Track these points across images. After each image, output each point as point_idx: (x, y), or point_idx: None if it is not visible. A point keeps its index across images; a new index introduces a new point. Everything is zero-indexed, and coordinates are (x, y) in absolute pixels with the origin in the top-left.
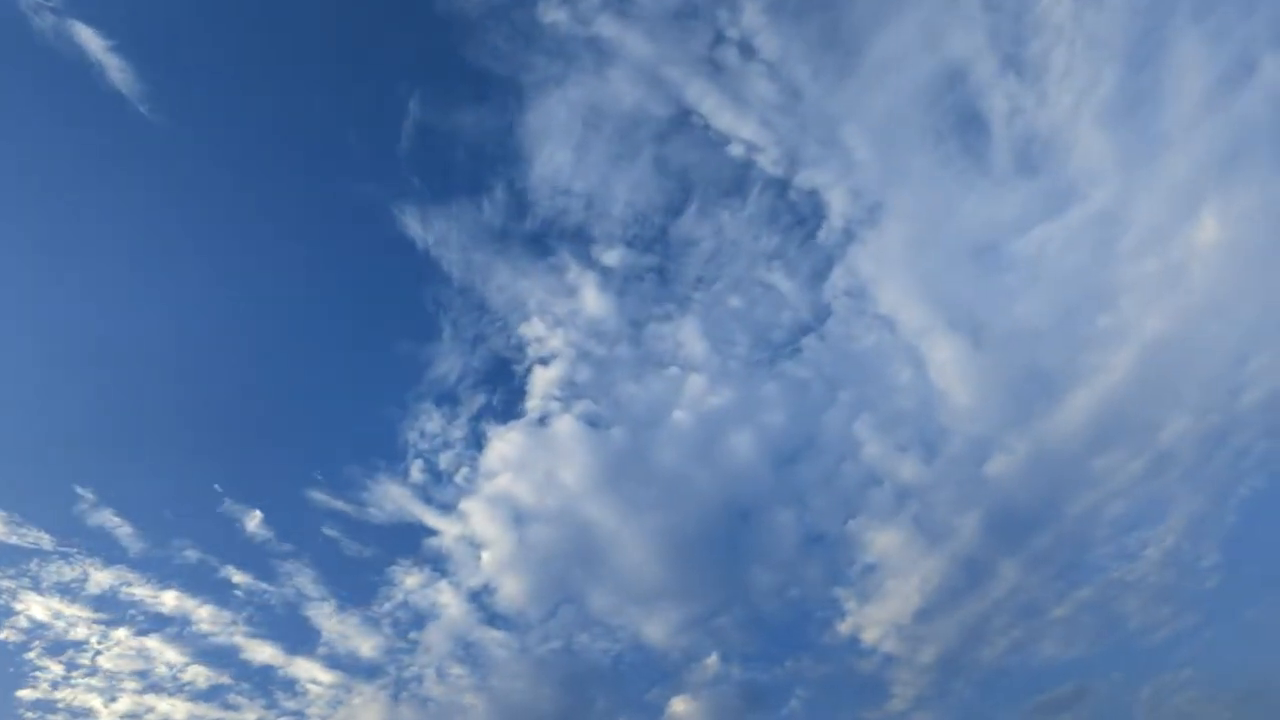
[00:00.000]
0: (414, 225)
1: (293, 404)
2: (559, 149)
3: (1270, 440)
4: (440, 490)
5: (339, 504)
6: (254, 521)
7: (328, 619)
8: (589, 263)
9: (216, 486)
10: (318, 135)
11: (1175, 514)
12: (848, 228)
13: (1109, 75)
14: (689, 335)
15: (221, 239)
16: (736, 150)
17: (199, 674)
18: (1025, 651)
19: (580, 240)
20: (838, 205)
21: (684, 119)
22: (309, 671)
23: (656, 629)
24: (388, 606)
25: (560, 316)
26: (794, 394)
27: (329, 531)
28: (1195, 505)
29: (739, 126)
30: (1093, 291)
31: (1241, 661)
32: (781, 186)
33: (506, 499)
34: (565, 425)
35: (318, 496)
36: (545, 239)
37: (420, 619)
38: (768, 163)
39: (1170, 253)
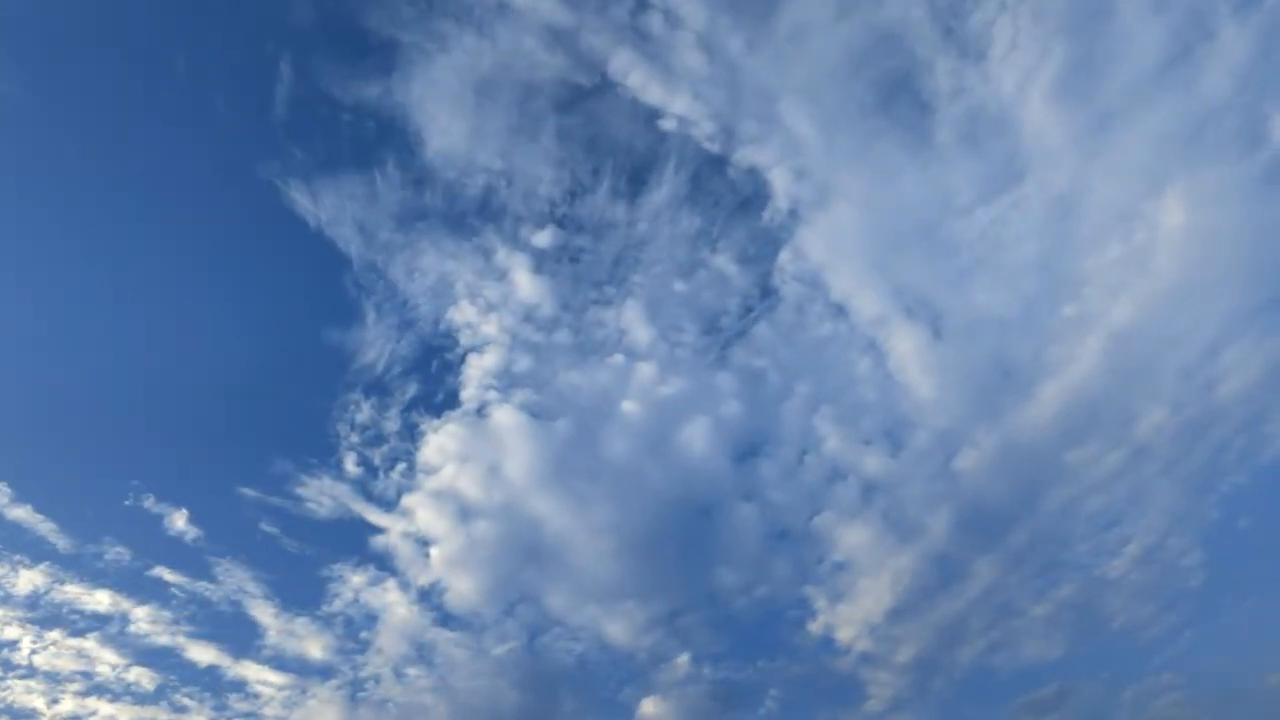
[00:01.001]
0: (303, 201)
1: (211, 397)
2: (454, 119)
3: (1250, 434)
4: (379, 486)
5: (274, 500)
6: (180, 520)
7: (271, 619)
8: (518, 243)
9: (135, 482)
10: (182, 102)
11: (1155, 510)
12: (794, 209)
13: (1056, 49)
14: (632, 321)
15: (96, 218)
16: (668, 125)
17: (142, 675)
18: (1005, 652)
19: (505, 220)
20: (781, 185)
21: (609, 90)
22: (257, 673)
23: (620, 629)
24: (335, 606)
25: (491, 301)
26: (749, 385)
27: (268, 528)
28: (1175, 501)
29: (670, 100)
30: (1055, 278)
31: (1224, 664)
32: (719, 164)
33: (451, 495)
34: (506, 417)
35: (248, 494)
36: (466, 218)
37: (370, 619)
38: (702, 138)
39: (1134, 236)
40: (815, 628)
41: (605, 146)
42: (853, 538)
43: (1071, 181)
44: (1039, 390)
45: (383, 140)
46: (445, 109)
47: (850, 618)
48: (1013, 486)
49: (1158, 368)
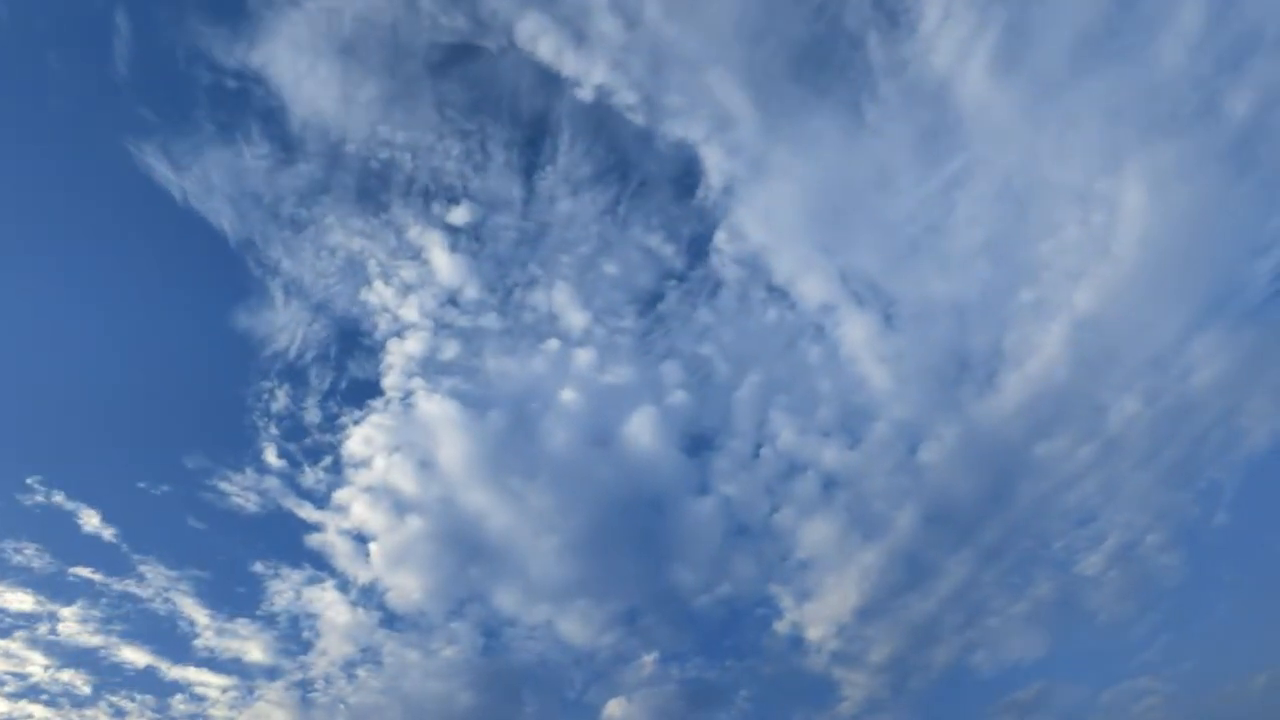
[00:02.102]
0: (161, 169)
1: (101, 389)
2: (328, 82)
3: (1228, 426)
4: (307, 480)
5: (198, 496)
6: (94, 519)
7: (206, 620)
8: (430, 220)
9: (37, 478)
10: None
11: (1131, 506)
12: (728, 186)
13: (993, 17)
14: (564, 305)
15: None
16: (585, 95)
17: (76, 678)
18: (983, 652)
19: (414, 195)
20: (713, 161)
21: (517, 56)
22: (198, 675)
23: (578, 628)
24: (273, 606)
25: (408, 282)
26: (696, 373)
27: (195, 525)
28: (1152, 496)
29: (587, 69)
30: (1009, 262)
31: (1204, 666)
32: (645, 138)
33: (386, 490)
34: (435, 406)
35: (163, 490)
36: (372, 194)
37: (310, 619)
38: (624, 110)
39: (1091, 217)
40: (783, 627)
41: (518, 117)
42: (816, 534)
43: (1020, 158)
44: (1001, 380)
45: (242, 104)
46: (314, 68)
47: (818, 616)
48: (981, 480)
49: (1126, 356)
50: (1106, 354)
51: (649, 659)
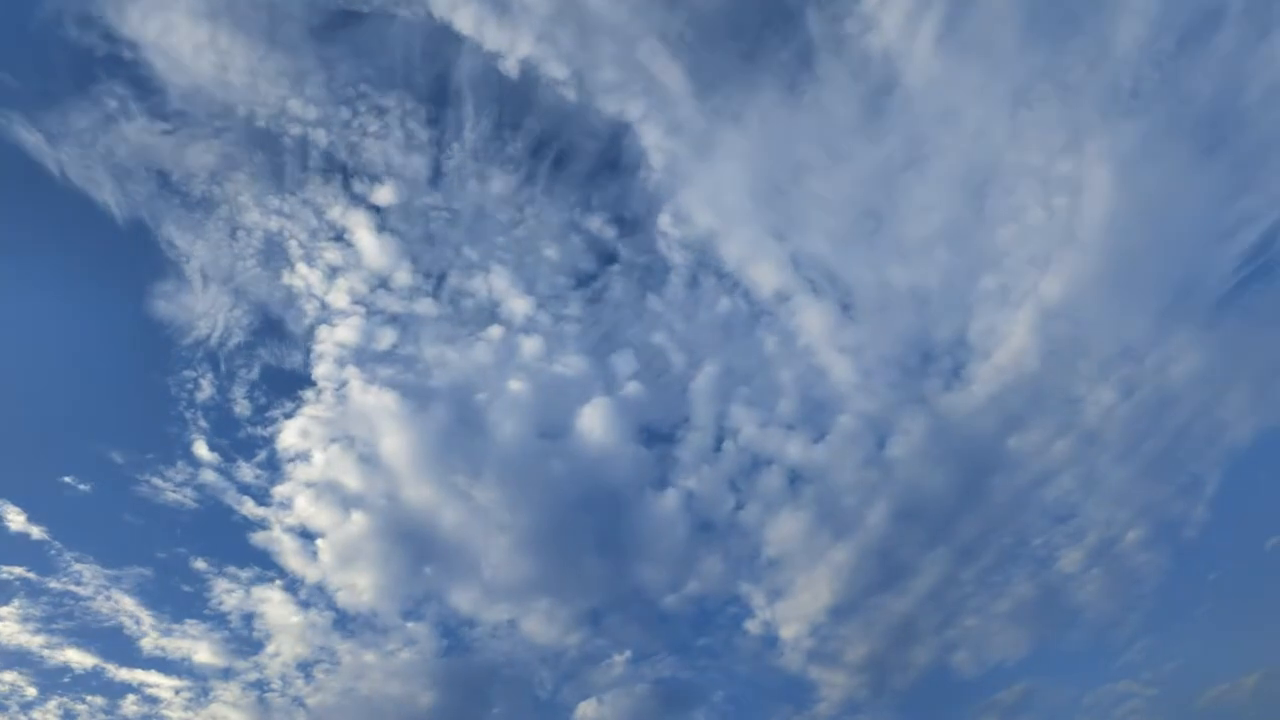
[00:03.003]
0: (23, 133)
1: (21, 384)
2: (220, 53)
3: (1209, 419)
4: (243, 474)
5: (130, 492)
6: (18, 517)
7: (150, 620)
8: (353, 200)
9: None
10: None
11: (1112, 501)
12: (670, 166)
13: None
14: (504, 291)
15: None
16: (510, 68)
17: (19, 680)
18: (965, 652)
19: (334, 174)
20: (652, 139)
21: (437, 27)
22: (146, 676)
23: (542, 627)
24: (219, 606)
25: (334, 264)
26: (650, 364)
27: (131, 521)
28: (1133, 492)
29: (512, 41)
30: (968, 248)
31: (1190, 670)
32: (579, 116)
33: (329, 485)
34: (372, 397)
35: (90, 486)
36: (287, 171)
37: (257, 618)
38: (555, 85)
39: (1053, 200)
40: (755, 626)
41: (438, 93)
42: (784, 530)
43: (975, 139)
44: (969, 371)
45: (119, 71)
46: (204, 37)
47: (791, 615)
48: (953, 475)
49: (1098, 346)
50: (1077, 344)
51: (620, 659)
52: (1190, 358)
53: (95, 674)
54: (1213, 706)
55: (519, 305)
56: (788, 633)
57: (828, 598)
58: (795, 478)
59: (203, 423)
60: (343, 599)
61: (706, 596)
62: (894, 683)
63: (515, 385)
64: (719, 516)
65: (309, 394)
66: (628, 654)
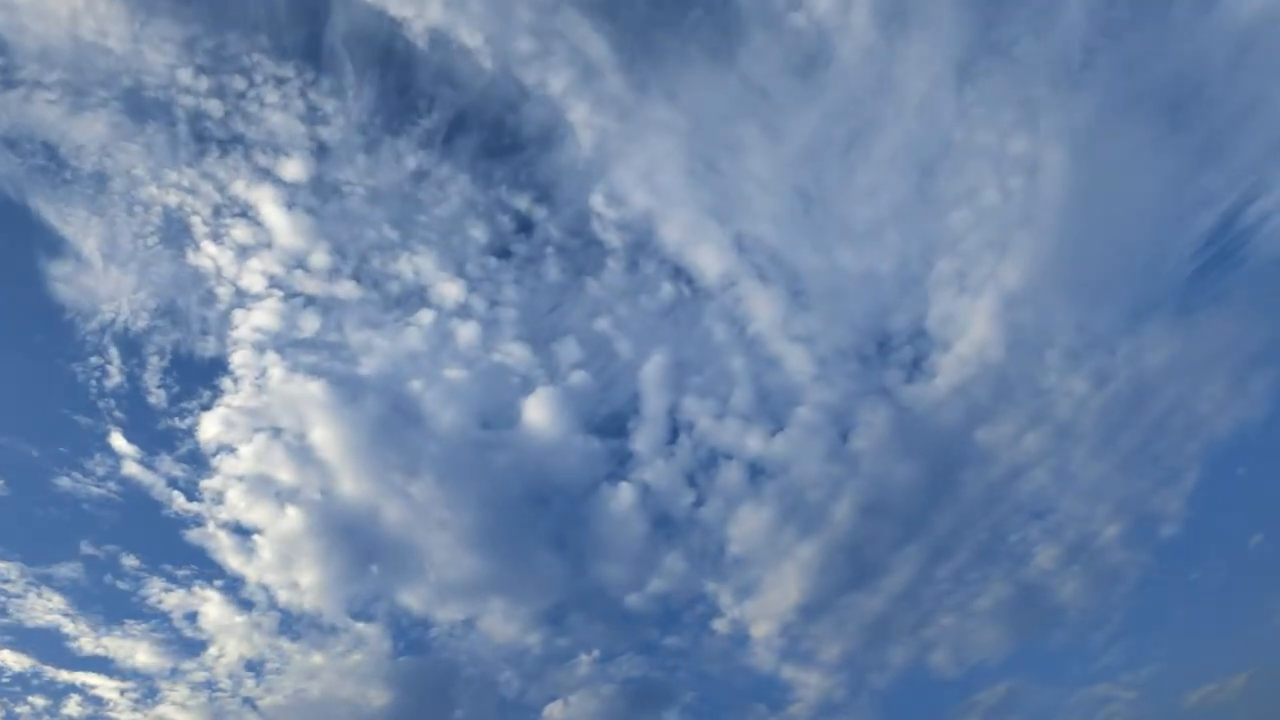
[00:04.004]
0: None
1: None
2: (100, 19)
3: (1187, 412)
4: (166, 468)
5: (49, 486)
6: None
7: (79, 620)
8: (256, 173)
9: None
10: None
11: (1090, 497)
12: (600, 143)
13: None
14: (431, 272)
15: None
16: (418, 35)
17: None
18: (942, 652)
19: (231, 144)
20: (579, 115)
21: None
22: (85, 678)
23: (500, 626)
24: (159, 604)
25: (242, 243)
26: (595, 352)
27: (50, 517)
28: (1111, 487)
29: (421, 7)
30: (920, 232)
31: (1173, 672)
32: (498, 87)
33: (259, 480)
34: (297, 386)
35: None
36: (183, 143)
37: (195, 618)
38: (467, 54)
39: (1008, 180)
40: (724, 625)
41: (345, 63)
42: (747, 527)
43: (920, 117)
44: (930, 361)
45: None
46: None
47: (761, 614)
48: (921, 469)
49: (1066, 335)
50: (1043, 333)
51: (586, 659)
52: (1164, 348)
53: (34, 674)
54: (1201, 706)
55: (449, 289)
56: (758, 632)
57: (798, 596)
58: (756, 472)
59: (117, 413)
60: (287, 598)
61: (671, 595)
62: (872, 682)
63: (452, 374)
64: (678, 512)
65: (227, 382)
66: (595, 654)
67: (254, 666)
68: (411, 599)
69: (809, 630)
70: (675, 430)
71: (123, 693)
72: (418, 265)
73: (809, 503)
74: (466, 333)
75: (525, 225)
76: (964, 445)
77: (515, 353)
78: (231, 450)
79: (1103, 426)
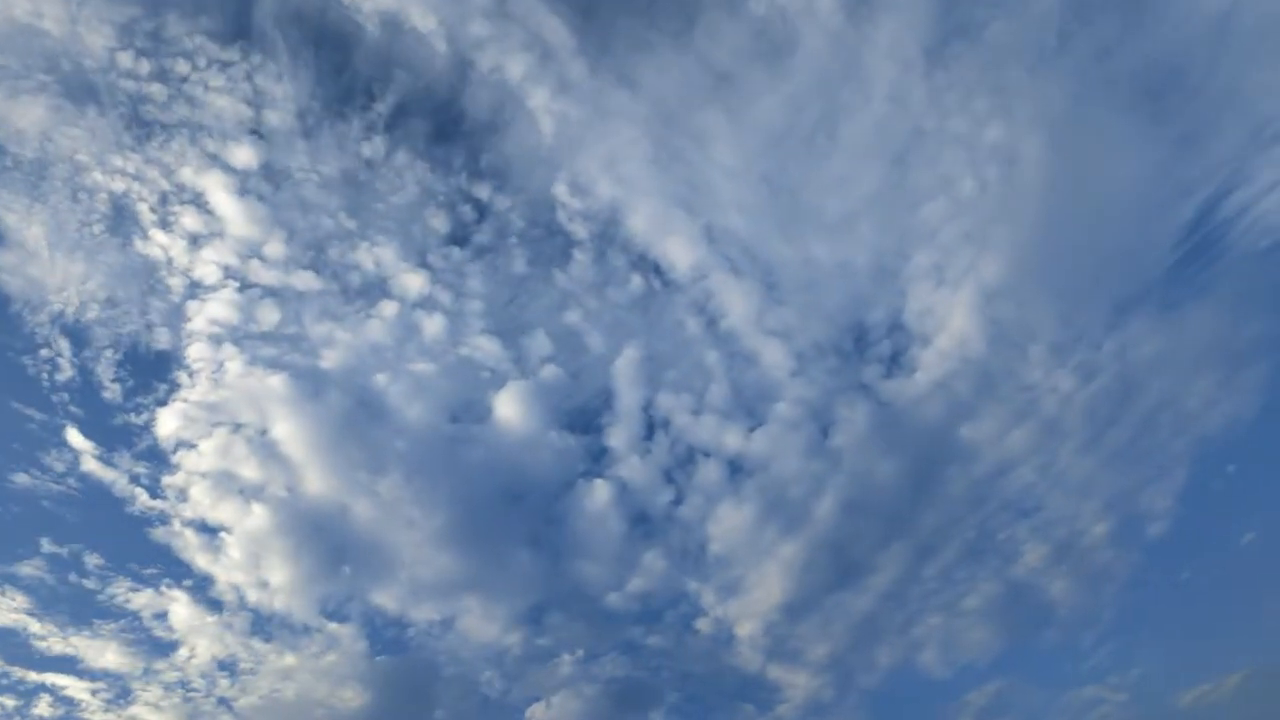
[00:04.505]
0: None
1: None
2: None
3: (1174, 409)
4: (126, 464)
5: (10, 481)
6: None
7: (45, 620)
8: (206, 160)
9: None
10: None
11: (1078, 494)
12: (561, 131)
13: None
14: (392, 263)
15: None
16: (370, 21)
17: None
18: (931, 652)
19: (179, 129)
20: (539, 101)
21: None
22: (55, 679)
23: (478, 625)
24: (125, 604)
25: (193, 231)
26: (566, 346)
27: (9, 514)
28: (1099, 485)
29: None
30: (895, 224)
31: (1164, 672)
32: (458, 73)
33: (222, 477)
34: (256, 380)
35: None
36: (128, 128)
37: (165, 617)
38: (420, 36)
39: (985, 169)
40: (707, 625)
41: (293, 47)
42: (728, 525)
43: (890, 103)
44: (909, 356)
45: None
46: None
47: (745, 613)
48: (905, 466)
49: (1049, 330)
50: (1025, 327)
51: (568, 658)
52: (1150, 342)
53: (2, 675)
54: (1194, 707)
55: (412, 280)
56: (743, 631)
57: (782, 595)
58: (735, 469)
59: (72, 408)
60: (257, 598)
61: (652, 594)
62: (861, 682)
63: (418, 367)
64: (656, 510)
65: (183, 376)
66: (579, 654)
67: (227, 667)
68: (385, 598)
69: (795, 630)
70: (651, 426)
71: (94, 693)
72: (378, 256)
73: (790, 500)
74: (432, 325)
75: (487, 215)
76: (948, 442)
77: (483, 346)
78: (191, 446)
79: (1090, 423)
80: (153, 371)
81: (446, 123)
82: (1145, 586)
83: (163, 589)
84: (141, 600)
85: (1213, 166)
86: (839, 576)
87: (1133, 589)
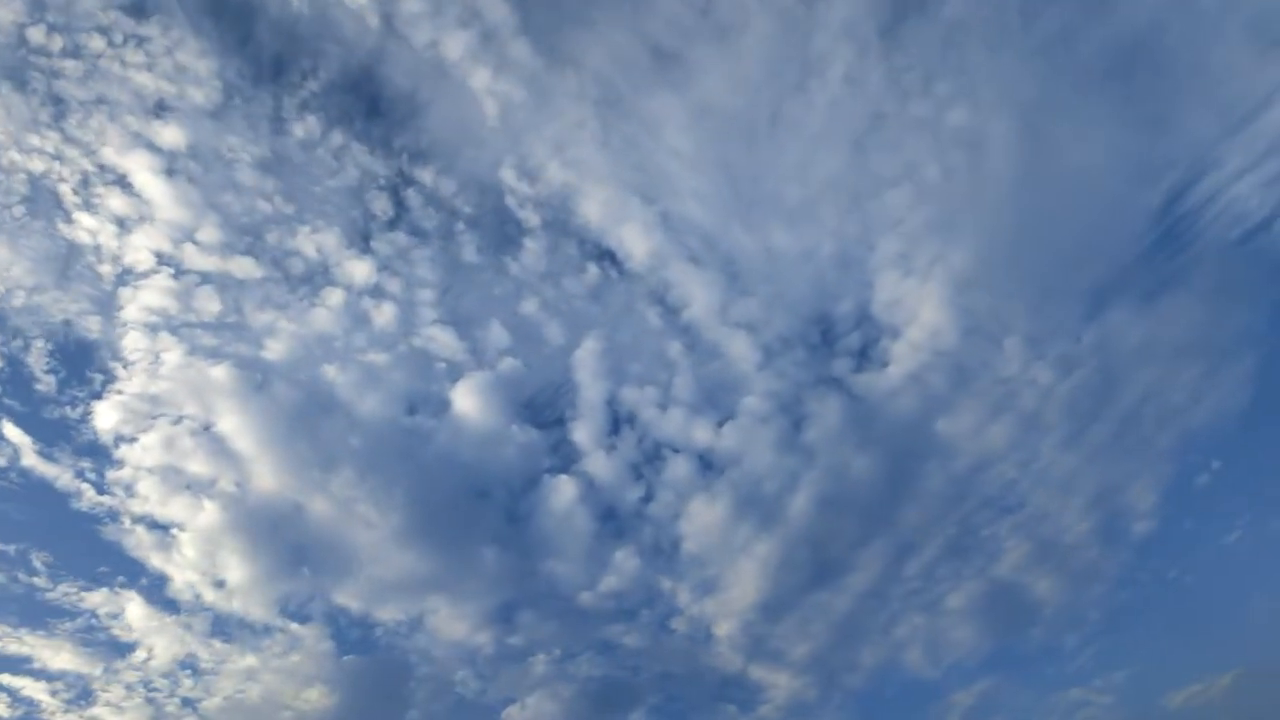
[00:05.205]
0: None
1: None
2: None
3: (1158, 403)
4: (67, 459)
5: None
6: None
7: None
8: (130, 139)
9: None
10: None
11: (1062, 491)
12: (504, 113)
13: None
14: (337, 250)
15: None
16: None
17: None
18: (916, 651)
19: (97, 106)
20: (480, 81)
21: None
22: (10, 681)
23: (447, 625)
24: (77, 603)
25: (123, 215)
26: (524, 337)
27: None
28: (1083, 481)
29: None
30: (858, 211)
31: (1153, 673)
32: (389, 47)
33: (168, 473)
34: (196, 371)
35: None
36: (43, 104)
37: (120, 617)
38: (349, 10)
39: (949, 154)
40: (684, 624)
41: (216, 22)
42: (700, 522)
43: (848, 84)
44: (879, 348)
45: None
46: None
47: (722, 613)
48: (881, 461)
49: (1025, 320)
50: (999, 318)
51: (544, 658)
52: (1131, 334)
53: None
54: (1185, 708)
55: (357, 267)
56: (721, 630)
57: (760, 593)
58: (705, 465)
59: (6, 400)
60: (214, 598)
61: (625, 593)
62: (845, 682)
63: (370, 358)
64: (626, 506)
65: (118, 367)
66: (555, 653)
67: (189, 667)
68: (348, 598)
69: (774, 629)
70: (617, 421)
71: (53, 693)
72: (319, 241)
73: (764, 496)
74: (381, 315)
75: (432, 200)
76: (924, 436)
77: (438, 337)
78: (132, 440)
79: (1071, 417)
80: (87, 362)
81: (382, 103)
82: (1132, 585)
83: (116, 588)
84: (95, 599)
85: (1182, 150)
86: (818, 574)
87: (1119, 588)
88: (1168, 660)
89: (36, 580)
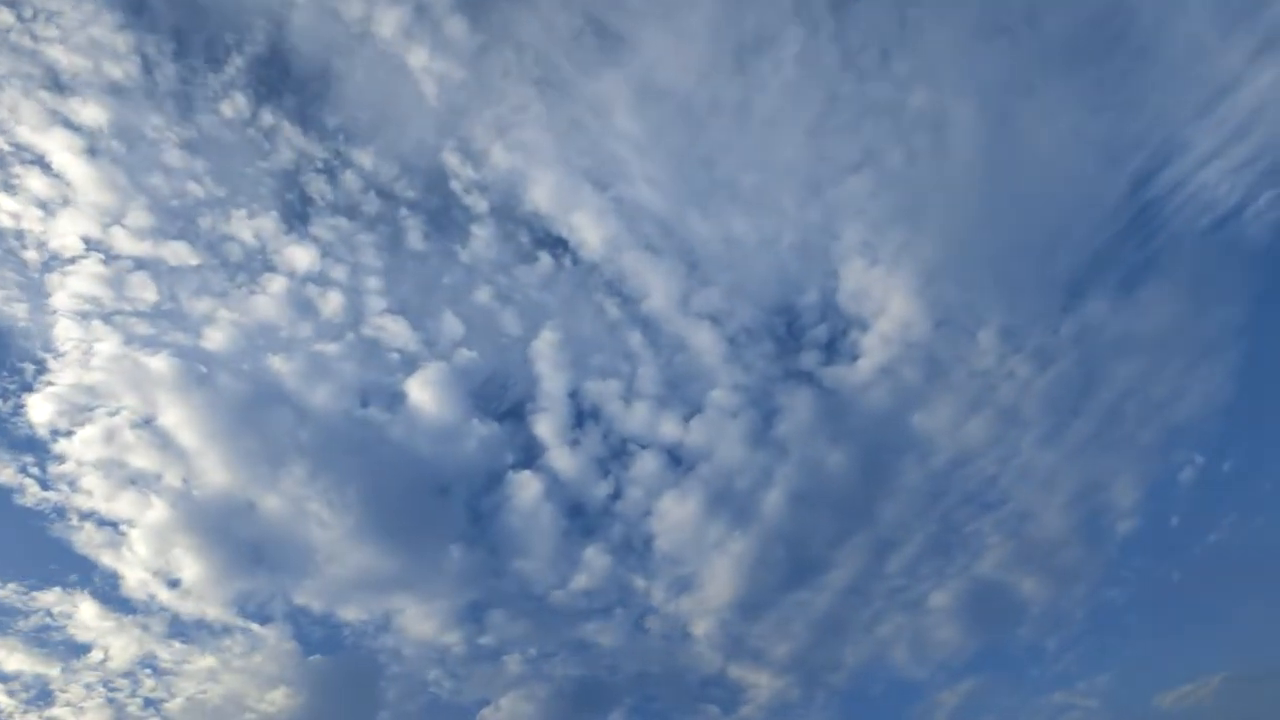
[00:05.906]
0: None
1: None
2: None
3: (1140, 398)
4: (7, 453)
5: None
6: None
7: None
8: (46, 116)
9: None
10: None
11: (1045, 488)
12: (443, 94)
13: None
14: (276, 236)
15: None
16: None
17: None
18: (900, 650)
19: (10, 80)
20: (419, 60)
21: None
22: None
23: (415, 624)
24: (27, 603)
25: (44, 198)
26: (479, 328)
27: None
28: (1066, 478)
29: None
30: (816, 198)
31: (1141, 676)
32: (319, 23)
33: (113, 467)
34: (132, 361)
35: None
36: None
37: (72, 617)
38: None
39: (911, 137)
40: (659, 623)
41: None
42: (672, 519)
43: (801, 65)
44: (848, 340)
45: None
46: None
47: (698, 611)
48: (856, 456)
49: (999, 312)
50: (971, 309)
51: (518, 658)
52: (1110, 327)
53: None
54: (1172, 710)
55: (299, 254)
56: (698, 629)
57: (736, 591)
58: (674, 460)
59: None
60: (169, 597)
61: (597, 591)
62: (829, 681)
63: (318, 348)
64: (593, 503)
65: (49, 358)
66: (530, 652)
67: (147, 668)
68: (308, 597)
69: (753, 628)
70: (580, 415)
71: (11, 694)
72: (256, 226)
73: (737, 492)
74: (328, 303)
75: (373, 183)
76: (900, 431)
77: (389, 326)
78: (69, 434)
79: (1052, 412)
80: (15, 352)
81: (313, 81)
82: (1116, 584)
83: (68, 587)
84: (48, 599)
85: (1150, 131)
86: (796, 572)
87: (1103, 587)
88: (1154, 662)
89: None
